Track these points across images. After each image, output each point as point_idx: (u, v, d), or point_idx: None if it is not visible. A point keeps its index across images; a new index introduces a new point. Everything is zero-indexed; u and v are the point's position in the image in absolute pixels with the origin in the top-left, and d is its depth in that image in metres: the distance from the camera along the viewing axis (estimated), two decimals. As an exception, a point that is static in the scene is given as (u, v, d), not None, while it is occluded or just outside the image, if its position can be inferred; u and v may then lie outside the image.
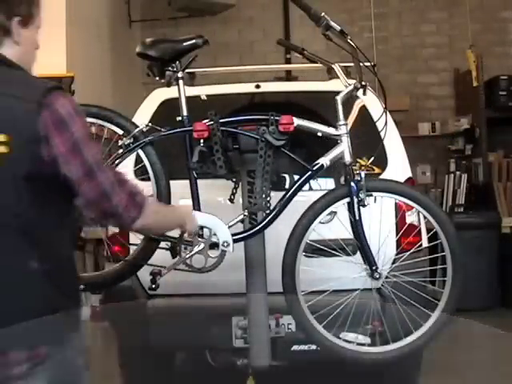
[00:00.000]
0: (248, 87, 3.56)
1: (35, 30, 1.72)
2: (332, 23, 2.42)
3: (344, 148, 2.39)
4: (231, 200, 2.64)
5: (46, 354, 1.54)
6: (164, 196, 2.47)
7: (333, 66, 2.65)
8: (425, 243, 3.16)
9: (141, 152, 2.50)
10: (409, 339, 2.43)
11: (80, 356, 1.65)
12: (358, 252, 2.44)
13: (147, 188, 2.30)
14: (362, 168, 2.40)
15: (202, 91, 3.47)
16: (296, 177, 2.50)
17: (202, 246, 2.31)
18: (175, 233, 2.27)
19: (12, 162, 1.50)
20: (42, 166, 1.52)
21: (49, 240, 1.56)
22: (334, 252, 2.69)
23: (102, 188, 1.57)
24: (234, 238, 2.29)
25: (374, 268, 2.38)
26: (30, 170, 1.51)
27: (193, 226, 2.21)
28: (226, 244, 2.27)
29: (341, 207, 2.43)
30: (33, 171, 1.52)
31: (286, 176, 3.32)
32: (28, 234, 1.53)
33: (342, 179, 2.44)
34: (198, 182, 2.46)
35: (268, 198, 2.39)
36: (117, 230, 3.14)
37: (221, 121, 2.39)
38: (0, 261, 1.52)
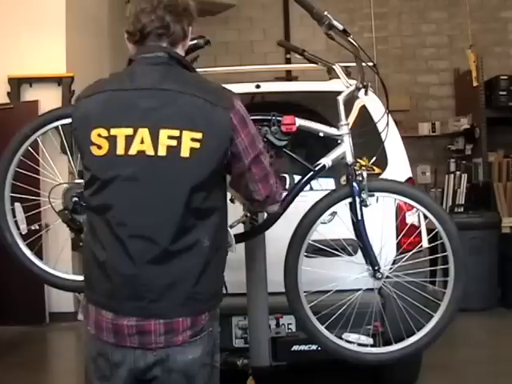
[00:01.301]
0: (248, 87, 3.56)
1: (189, 39, 1.95)
2: (334, 22, 2.41)
3: (346, 148, 2.39)
4: (232, 200, 2.64)
5: (204, 325, 1.78)
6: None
7: (333, 66, 2.64)
8: (425, 244, 3.16)
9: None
10: (411, 339, 2.42)
11: (219, 333, 1.88)
12: (360, 252, 2.44)
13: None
14: (362, 168, 2.39)
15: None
16: (298, 177, 2.49)
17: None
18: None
19: (202, 156, 1.73)
20: (224, 159, 1.78)
21: (214, 222, 1.80)
22: (335, 252, 2.68)
23: (267, 170, 1.89)
24: (236, 238, 2.29)
25: (376, 268, 2.38)
26: (215, 165, 1.76)
27: None
28: (228, 245, 2.26)
29: (342, 207, 2.42)
30: (216, 165, 1.76)
31: (288, 176, 3.32)
32: (204, 217, 1.77)
33: (344, 179, 2.43)
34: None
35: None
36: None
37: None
38: (178, 238, 1.74)
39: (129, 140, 1.72)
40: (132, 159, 1.73)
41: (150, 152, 1.72)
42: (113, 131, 1.73)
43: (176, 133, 1.71)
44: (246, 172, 1.84)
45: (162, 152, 1.72)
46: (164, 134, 1.71)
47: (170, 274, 1.75)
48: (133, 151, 1.72)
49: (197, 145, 1.72)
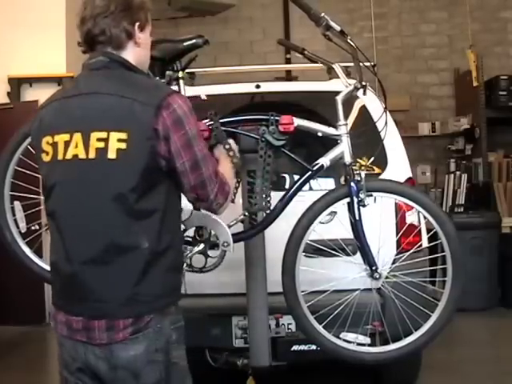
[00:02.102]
0: (248, 87, 3.56)
1: (148, 33, 1.95)
2: (332, 23, 2.42)
3: (344, 148, 2.39)
4: (231, 200, 2.64)
5: (148, 322, 1.77)
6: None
7: (333, 66, 2.64)
8: (425, 243, 3.16)
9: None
10: (409, 339, 2.43)
11: (176, 331, 1.84)
12: (358, 252, 2.44)
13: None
14: (362, 168, 2.39)
15: (202, 91, 3.47)
16: (296, 177, 2.50)
17: (202, 246, 2.31)
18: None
19: (129, 157, 1.73)
20: (159, 159, 1.75)
21: (155, 223, 1.79)
22: (333, 252, 2.69)
23: (202, 178, 1.83)
24: (234, 238, 2.29)
25: (373, 268, 2.38)
26: (146, 165, 1.74)
27: (234, 156, 2.29)
28: (225, 244, 2.26)
29: (341, 207, 2.42)
30: (149, 165, 1.74)
31: (286, 176, 3.32)
32: (140, 219, 1.76)
33: (342, 179, 2.44)
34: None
35: (268, 198, 2.39)
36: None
37: (221, 121, 2.39)
38: (117, 241, 1.76)
39: (66, 145, 1.79)
40: (68, 164, 1.79)
41: (82, 155, 1.77)
42: (56, 138, 1.80)
43: (104, 135, 1.75)
44: (180, 174, 1.81)
45: (91, 155, 1.76)
46: (94, 136, 1.75)
47: (109, 275, 1.78)
48: (69, 155, 1.78)
49: (123, 145, 1.73)
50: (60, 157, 1.79)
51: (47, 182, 1.86)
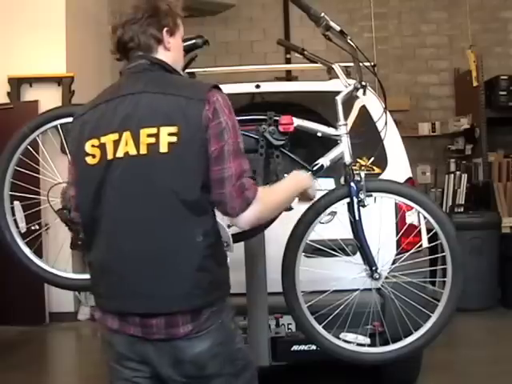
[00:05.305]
0: (248, 87, 3.56)
1: (179, 37, 2.01)
2: (332, 23, 2.42)
3: (344, 148, 2.39)
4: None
5: (208, 318, 1.82)
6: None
7: (333, 66, 2.64)
8: (425, 243, 3.16)
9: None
10: (409, 340, 2.43)
11: (232, 320, 1.92)
12: (358, 252, 2.44)
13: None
14: (362, 168, 2.39)
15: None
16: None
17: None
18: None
19: (181, 150, 1.77)
20: (206, 152, 1.79)
21: (210, 218, 1.84)
22: (333, 252, 2.69)
23: (222, 174, 1.80)
24: (234, 238, 2.29)
25: (373, 268, 2.38)
26: (197, 157, 1.78)
27: (312, 189, 2.21)
28: (225, 244, 2.26)
29: (341, 207, 2.42)
30: (199, 158, 1.78)
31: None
32: (193, 213, 1.79)
33: (342, 179, 2.44)
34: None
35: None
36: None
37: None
38: (172, 235, 1.79)
39: (116, 144, 1.83)
40: (119, 161, 1.82)
41: (133, 152, 1.81)
42: (103, 139, 1.84)
43: (154, 130, 1.80)
44: (208, 163, 1.80)
45: (143, 151, 1.80)
46: (144, 133, 1.80)
47: (165, 271, 1.79)
48: (120, 153, 1.82)
49: (174, 139, 1.78)
50: (110, 156, 1.82)
51: (94, 184, 1.85)
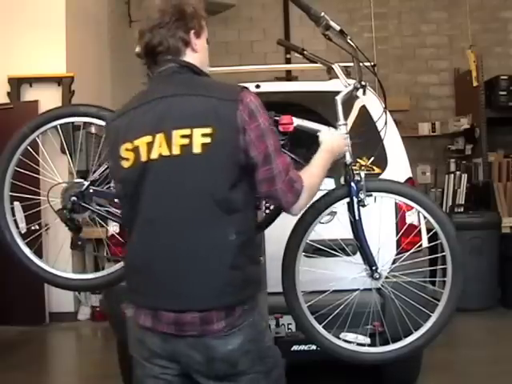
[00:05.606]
0: (248, 87, 3.55)
1: (205, 39, 2.04)
2: (332, 23, 2.42)
3: (344, 148, 2.39)
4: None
5: (240, 316, 1.86)
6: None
7: (333, 66, 2.64)
8: (425, 243, 3.16)
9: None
10: (409, 339, 2.43)
11: (263, 319, 1.98)
12: (358, 252, 2.44)
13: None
14: (362, 168, 2.39)
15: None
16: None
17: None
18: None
19: (215, 150, 1.81)
20: (240, 152, 1.83)
21: (242, 217, 1.87)
22: (333, 252, 2.69)
23: (272, 173, 1.86)
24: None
25: (373, 268, 2.38)
26: (230, 157, 1.82)
27: (340, 147, 2.29)
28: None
29: (341, 207, 2.42)
30: (232, 158, 1.83)
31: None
32: (226, 212, 1.83)
33: (342, 179, 2.44)
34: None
35: (268, 198, 2.38)
36: (117, 230, 3.15)
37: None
38: (205, 234, 1.83)
39: (149, 146, 1.86)
40: (153, 163, 1.86)
41: (167, 153, 1.84)
42: (136, 142, 1.88)
43: (187, 131, 1.83)
44: (252, 167, 1.87)
45: (176, 151, 1.83)
46: (177, 134, 1.84)
47: (199, 269, 1.84)
48: (154, 155, 1.86)
49: (208, 139, 1.81)
50: (144, 158, 1.86)
51: (129, 187, 1.91)
